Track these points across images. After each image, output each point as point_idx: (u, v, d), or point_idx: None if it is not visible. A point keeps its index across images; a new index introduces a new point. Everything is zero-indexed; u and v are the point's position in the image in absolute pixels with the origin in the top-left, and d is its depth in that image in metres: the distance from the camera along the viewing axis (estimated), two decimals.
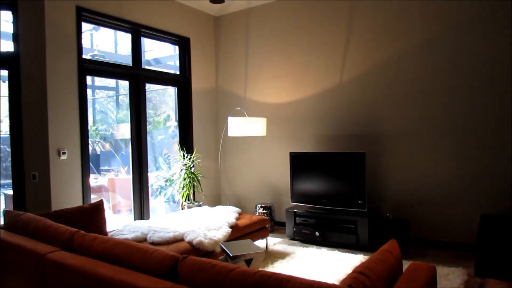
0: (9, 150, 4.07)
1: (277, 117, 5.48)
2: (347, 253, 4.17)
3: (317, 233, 4.57)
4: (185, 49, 5.68)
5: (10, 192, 5.42)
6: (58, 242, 2.39)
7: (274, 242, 4.71)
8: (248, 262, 3.09)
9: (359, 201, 4.41)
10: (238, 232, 3.99)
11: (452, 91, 4.19)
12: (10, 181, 4.18)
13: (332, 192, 4.66)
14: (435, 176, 4.32)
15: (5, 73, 4.67)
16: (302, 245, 4.59)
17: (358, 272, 1.53)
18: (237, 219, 4.25)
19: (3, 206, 6.17)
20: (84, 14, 4.33)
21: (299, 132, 5.30)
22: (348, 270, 3.65)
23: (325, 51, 5.01)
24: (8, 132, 4.10)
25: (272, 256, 4.15)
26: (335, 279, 3.44)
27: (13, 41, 3.94)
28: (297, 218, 4.79)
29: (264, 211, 5.25)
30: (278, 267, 3.79)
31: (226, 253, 3.13)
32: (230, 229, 3.86)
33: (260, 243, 4.45)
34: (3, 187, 6.93)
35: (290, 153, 5.01)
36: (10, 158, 4.16)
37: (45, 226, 2.58)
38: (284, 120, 5.43)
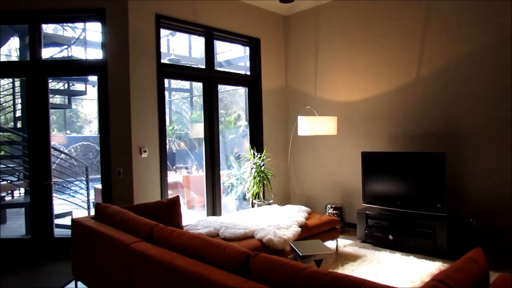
0: (98, 148, 4.48)
1: (348, 115, 5.34)
2: (423, 260, 3.93)
3: (390, 237, 4.37)
4: (256, 49, 5.78)
5: (99, 186, 5.98)
6: (140, 234, 2.58)
7: (344, 244, 4.60)
8: (318, 262, 3.06)
9: (438, 205, 4.13)
10: (307, 232, 3.97)
11: None
12: (99, 176, 4.60)
13: (408, 194, 4.42)
14: None
15: (94, 78, 5.13)
16: (374, 248, 4.42)
17: (438, 280, 1.44)
18: (307, 218, 4.22)
19: (93, 199, 6.83)
20: (162, 21, 4.61)
21: (371, 131, 5.11)
22: (426, 277, 3.43)
23: (400, 47, 4.77)
24: (97, 132, 4.51)
25: (342, 258, 4.05)
26: (411, 286, 3.26)
27: (102, 49, 4.33)
28: (369, 220, 4.62)
29: (334, 211, 5.15)
30: (348, 270, 3.70)
31: (295, 252, 3.13)
32: (300, 229, 3.85)
33: (330, 244, 4.37)
34: (93, 182, 7.65)
35: (362, 152, 4.85)
36: (99, 156, 4.58)
37: (129, 218, 2.81)
38: (355, 119, 5.27)
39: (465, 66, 4.25)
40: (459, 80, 4.30)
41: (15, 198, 7.22)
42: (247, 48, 5.96)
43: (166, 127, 4.80)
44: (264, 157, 5.44)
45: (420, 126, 4.62)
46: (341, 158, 5.47)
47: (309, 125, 4.86)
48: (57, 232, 4.60)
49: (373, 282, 1.38)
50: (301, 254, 3.02)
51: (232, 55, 8.13)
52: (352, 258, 4.05)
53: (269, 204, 5.11)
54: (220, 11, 5.22)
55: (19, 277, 3.81)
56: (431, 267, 3.69)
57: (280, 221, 3.92)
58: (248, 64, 6.04)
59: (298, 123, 5.04)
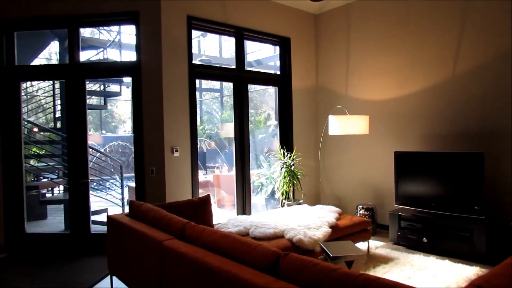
0: (132, 147, 4.61)
1: (380, 114, 5.22)
2: (460, 264, 3.79)
3: (424, 239, 4.24)
4: (286, 49, 5.76)
5: (132, 184, 6.16)
6: (172, 231, 2.64)
7: (376, 246, 4.51)
8: (349, 264, 3.02)
9: (475, 207, 3.96)
10: (338, 233, 3.92)
11: None
12: (133, 174, 4.74)
13: (443, 195, 4.27)
14: None
15: (129, 79, 5.28)
16: (407, 250, 4.30)
17: (476, 285, 1.38)
18: (337, 219, 4.17)
19: (127, 197, 7.05)
20: (194, 22, 4.69)
21: (404, 130, 4.97)
22: (462, 282, 3.31)
23: (435, 44, 4.61)
24: (131, 132, 4.66)
25: (374, 260, 3.97)
26: None
27: (136, 51, 4.45)
28: (402, 221, 4.51)
29: (366, 212, 5.06)
30: (380, 272, 3.62)
31: (326, 253, 3.10)
32: (330, 229, 3.80)
33: (361, 245, 4.30)
34: (127, 180, 7.89)
35: (395, 152, 4.73)
36: (133, 155, 4.71)
37: (161, 216, 2.88)
38: (388, 118, 5.15)
39: (502, 63, 4.05)
40: (496, 77, 4.11)
41: (55, 195, 7.56)
42: (277, 48, 5.96)
43: (197, 127, 4.87)
44: (294, 156, 5.41)
45: (455, 125, 4.46)
46: (372, 158, 5.37)
47: (340, 125, 4.79)
48: (94, 228, 4.78)
49: (407, 286, 1.35)
50: (331, 255, 2.99)
51: (262, 55, 8.15)
52: (384, 260, 3.96)
53: (299, 204, 5.08)
54: (250, 11, 5.24)
55: (59, 270, 3.99)
56: (468, 272, 3.55)
57: (310, 221, 3.89)
58: (278, 63, 6.03)
59: (328, 122, 4.99)
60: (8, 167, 4.63)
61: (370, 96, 5.36)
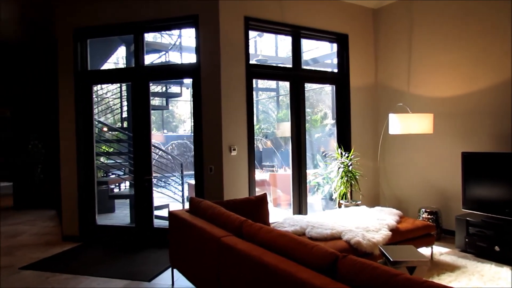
0: (192, 146, 4.80)
1: (445, 112, 4.92)
2: None
3: (496, 248, 3.92)
4: (343, 46, 5.63)
5: (192, 181, 6.40)
6: (230, 228, 2.70)
7: (440, 252, 4.25)
8: (411, 269, 2.88)
9: None
10: (398, 237, 3.76)
11: None
12: (193, 172, 4.92)
13: None
14: None
15: (189, 81, 5.48)
16: (476, 259, 4.01)
17: None
18: (398, 222, 4.00)
19: (186, 193, 7.33)
20: (251, 23, 4.75)
21: (473, 130, 4.64)
22: None
23: (508, 36, 4.23)
24: (191, 131, 4.84)
25: (438, 267, 3.76)
26: None
27: (196, 53, 4.62)
28: (470, 227, 4.21)
29: (429, 216, 4.80)
30: (445, 281, 3.41)
31: (385, 257, 2.99)
32: (390, 232, 3.66)
33: (424, 251, 4.08)
34: (187, 177, 8.20)
35: (463, 153, 4.43)
36: (192, 153, 4.89)
37: (220, 213, 2.96)
38: (454, 116, 4.83)
39: None
40: None
41: (121, 190, 8.08)
42: (335, 45, 5.84)
43: (254, 126, 4.93)
44: (352, 156, 5.28)
45: None
46: (437, 159, 5.07)
47: (402, 123, 4.59)
48: (156, 222, 5.04)
49: None
50: (391, 260, 2.87)
51: (318, 53, 8.04)
52: (449, 268, 3.73)
53: (357, 205, 4.95)
54: (307, 9, 5.20)
55: (125, 260, 4.26)
56: None
57: (369, 223, 3.78)
58: (335, 61, 5.92)
59: (389, 121, 4.80)
60: (82, 163, 5.02)
61: (435, 93, 5.07)
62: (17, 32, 6.67)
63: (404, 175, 5.54)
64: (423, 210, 4.89)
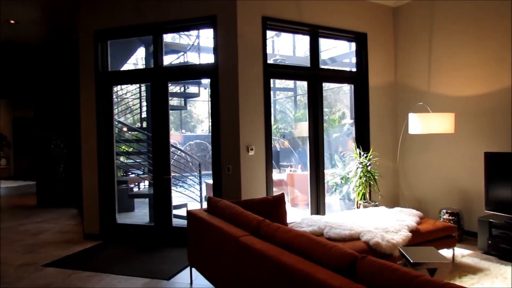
0: (209, 146, 4.84)
1: (467, 111, 4.80)
2: None
3: None
4: (362, 44, 5.56)
5: (210, 181, 6.44)
6: (248, 228, 2.71)
7: (462, 254, 4.16)
8: (431, 271, 2.83)
9: None
10: (418, 238, 3.69)
11: None
12: (210, 172, 4.95)
13: None
14: None
15: (207, 81, 5.52)
16: (500, 261, 3.90)
17: None
18: (418, 223, 3.93)
19: (204, 193, 7.39)
20: (269, 23, 4.75)
21: (496, 129, 4.51)
22: None
23: None
24: (208, 131, 4.88)
25: (460, 269, 3.68)
26: None
27: (214, 53, 4.64)
28: (493, 229, 4.10)
29: (450, 217, 4.69)
30: (467, 283, 3.34)
31: (405, 258, 2.95)
32: (410, 234, 3.60)
33: (445, 252, 4.00)
34: (205, 177, 8.27)
35: (485, 153, 4.32)
36: (210, 153, 4.93)
37: (237, 212, 2.97)
38: (476, 115, 4.72)
39: None
40: None
41: (141, 189, 8.20)
42: (353, 44, 5.78)
43: (271, 126, 4.93)
44: (371, 156, 5.21)
45: None
46: (458, 159, 4.95)
47: (422, 123, 4.50)
48: (175, 221, 5.09)
49: None
50: (412, 261, 2.83)
51: (336, 52, 7.97)
52: (471, 270, 3.64)
53: (376, 205, 4.89)
54: (325, 8, 5.16)
55: (144, 258, 4.33)
56: None
57: (388, 224, 3.72)
58: (353, 60, 5.86)
59: (409, 120, 4.72)
60: (102, 163, 5.12)
61: (456, 92, 4.95)
62: (40, 34, 6.86)
63: (424, 175, 5.44)
64: (444, 211, 4.79)
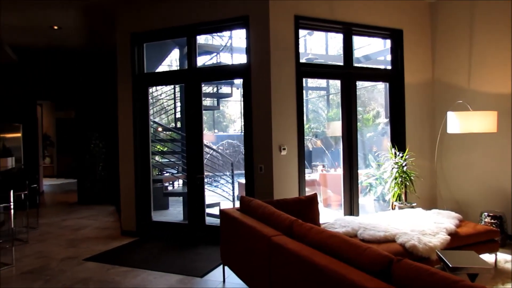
0: (241, 145, 4.88)
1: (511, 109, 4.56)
2: None
3: None
4: (398, 41, 5.41)
5: (242, 180, 6.49)
6: (280, 228, 2.71)
7: (505, 259, 3.96)
8: (472, 277, 2.72)
9: None
10: (458, 241, 3.55)
11: None
12: (243, 171, 4.99)
13: None
14: None
15: (239, 81, 5.57)
16: None
17: None
18: (457, 226, 3.78)
19: (237, 192, 7.45)
20: (301, 22, 4.72)
21: None
22: None
23: None
24: (241, 131, 4.91)
25: (503, 275, 3.51)
26: None
27: (246, 54, 4.67)
28: None
29: (492, 221, 4.48)
30: None
31: (444, 262, 2.84)
32: (449, 237, 3.47)
33: (487, 257, 3.82)
34: (237, 176, 8.34)
35: None
36: (242, 152, 4.96)
37: (270, 212, 2.98)
38: None
39: None
40: None
41: (175, 188, 8.38)
42: (388, 41, 5.64)
43: (304, 126, 4.90)
44: (407, 156, 5.06)
45: None
46: (501, 159, 4.72)
47: (462, 122, 4.33)
48: (208, 220, 5.18)
49: None
50: (450, 265, 2.73)
51: (371, 50, 7.80)
52: None
53: (412, 207, 4.74)
54: (358, 4, 5.06)
55: (178, 255, 4.43)
56: None
57: (425, 227, 3.61)
58: (388, 58, 5.71)
59: (447, 119, 4.55)
60: (139, 162, 5.28)
61: (499, 89, 4.72)
62: (81, 39, 7.17)
63: (464, 176, 5.22)
64: (486, 214, 4.58)
